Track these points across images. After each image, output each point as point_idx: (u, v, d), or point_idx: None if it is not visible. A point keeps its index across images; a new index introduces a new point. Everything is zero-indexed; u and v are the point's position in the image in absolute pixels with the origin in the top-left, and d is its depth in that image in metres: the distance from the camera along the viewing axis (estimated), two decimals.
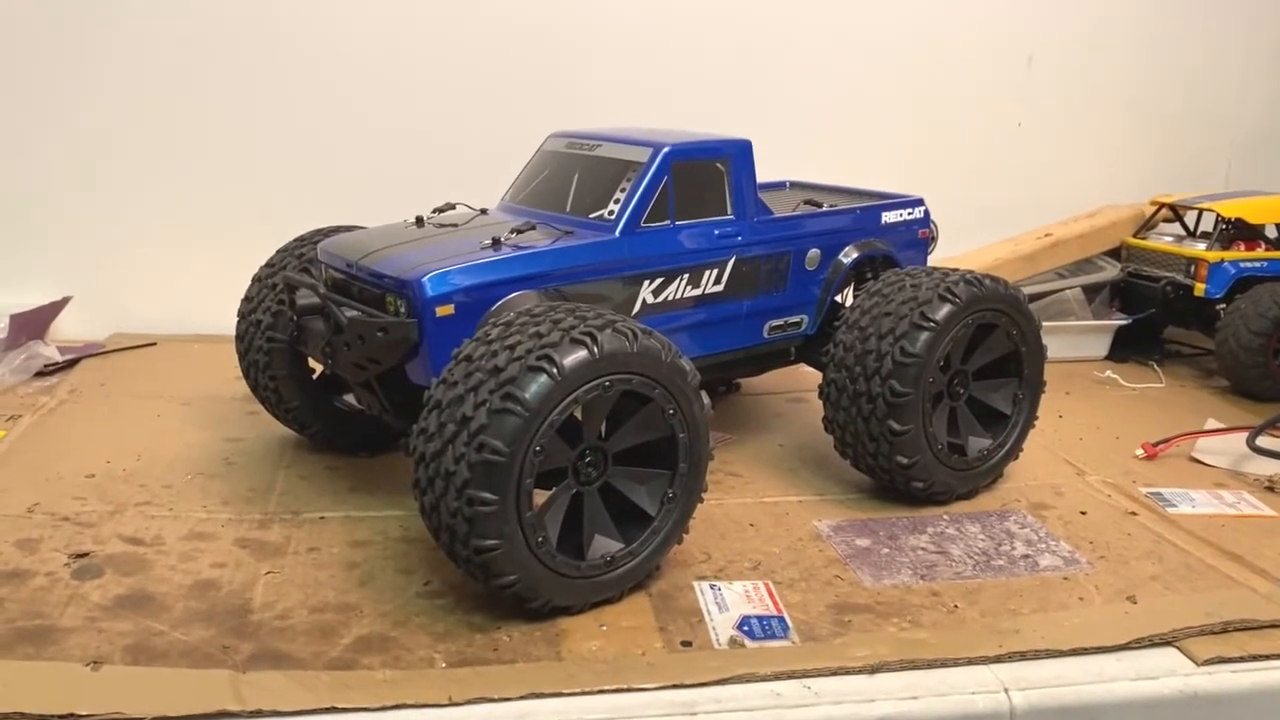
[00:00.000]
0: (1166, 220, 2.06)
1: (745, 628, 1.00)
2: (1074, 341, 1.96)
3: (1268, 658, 0.98)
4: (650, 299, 1.26)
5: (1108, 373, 1.90)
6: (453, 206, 1.35)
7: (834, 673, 0.94)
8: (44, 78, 1.86)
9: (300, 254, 1.35)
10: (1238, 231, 1.90)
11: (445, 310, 1.11)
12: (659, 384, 1.02)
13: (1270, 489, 1.38)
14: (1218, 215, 1.91)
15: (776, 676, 0.93)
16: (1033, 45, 2.22)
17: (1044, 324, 1.37)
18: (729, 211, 1.32)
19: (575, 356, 0.96)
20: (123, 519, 1.19)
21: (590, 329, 0.98)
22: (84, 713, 0.84)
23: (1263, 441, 1.47)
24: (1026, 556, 1.18)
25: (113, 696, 0.86)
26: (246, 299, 1.37)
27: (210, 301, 1.70)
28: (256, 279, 1.37)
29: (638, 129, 1.38)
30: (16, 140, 1.88)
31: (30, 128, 1.88)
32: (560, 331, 0.97)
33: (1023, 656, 0.97)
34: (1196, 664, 0.97)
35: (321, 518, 1.22)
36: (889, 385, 1.22)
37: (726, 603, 1.05)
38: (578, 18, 1.99)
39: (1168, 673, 0.96)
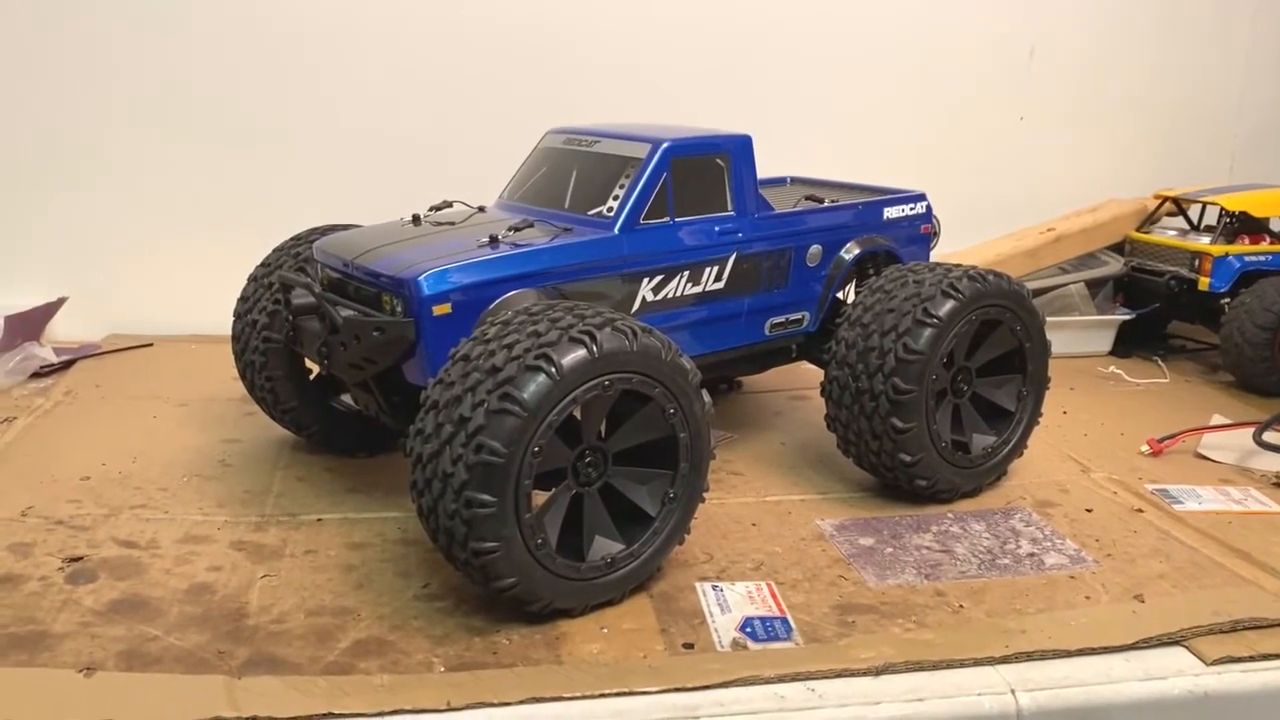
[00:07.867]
0: (1170, 214, 2.04)
1: (748, 629, 0.99)
2: (1078, 337, 1.94)
3: (1277, 656, 0.97)
4: (650, 296, 1.25)
5: (1112, 368, 1.89)
6: (450, 204, 1.34)
7: (838, 675, 0.93)
8: (38, 78, 1.85)
9: (296, 253, 1.34)
10: (1242, 225, 1.88)
11: (442, 309, 1.10)
12: (659, 383, 1.00)
13: (1277, 484, 1.37)
14: (1222, 209, 1.90)
15: (780, 679, 0.91)
16: (1034, 37, 2.20)
17: (1047, 319, 1.35)
18: (729, 208, 1.30)
19: (574, 356, 0.94)
20: (118, 522, 1.17)
21: (589, 327, 0.96)
22: None
23: (1269, 436, 1.45)
24: (1032, 555, 1.16)
25: (105, 703, 0.85)
26: (242, 299, 1.36)
27: (208, 301, 1.68)
28: (252, 278, 1.36)
29: (637, 125, 1.37)
30: (11, 140, 1.86)
31: (25, 128, 1.86)
32: (559, 330, 0.96)
33: (1029, 657, 0.96)
34: (1205, 663, 0.96)
35: (319, 520, 1.20)
36: (892, 383, 1.21)
37: (729, 604, 1.04)
38: (576, 14, 1.97)
39: (1176, 673, 0.95)
